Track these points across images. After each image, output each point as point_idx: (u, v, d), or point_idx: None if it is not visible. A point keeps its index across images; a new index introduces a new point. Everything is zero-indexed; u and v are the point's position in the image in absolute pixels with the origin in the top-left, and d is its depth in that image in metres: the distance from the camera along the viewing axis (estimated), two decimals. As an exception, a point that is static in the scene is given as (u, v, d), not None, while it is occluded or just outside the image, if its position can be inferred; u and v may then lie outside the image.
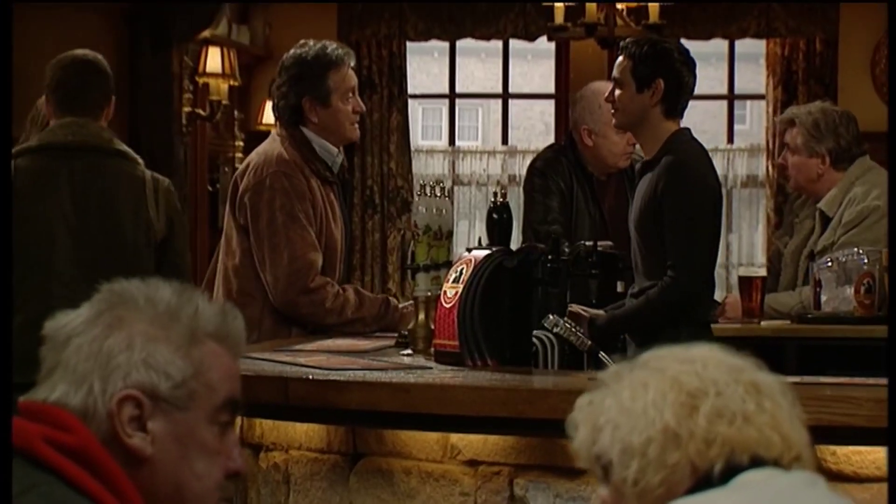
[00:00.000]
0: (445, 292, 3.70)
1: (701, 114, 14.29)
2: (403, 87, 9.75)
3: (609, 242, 4.63)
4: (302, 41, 4.69)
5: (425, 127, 23.15)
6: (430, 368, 3.61)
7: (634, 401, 1.81)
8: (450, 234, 4.07)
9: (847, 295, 5.13)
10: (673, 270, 4.17)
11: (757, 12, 9.33)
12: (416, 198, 4.36)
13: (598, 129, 5.28)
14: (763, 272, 5.54)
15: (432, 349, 3.80)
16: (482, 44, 10.19)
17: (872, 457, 3.12)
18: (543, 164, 5.42)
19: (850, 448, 3.12)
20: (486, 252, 3.70)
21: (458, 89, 10.74)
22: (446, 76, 10.50)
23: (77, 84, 4.64)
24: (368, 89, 9.63)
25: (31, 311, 3.93)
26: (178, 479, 1.89)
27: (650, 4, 8.25)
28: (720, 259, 5.78)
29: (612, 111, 4.42)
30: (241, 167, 4.67)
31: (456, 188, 10.05)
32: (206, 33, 8.80)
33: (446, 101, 10.86)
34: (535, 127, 21.37)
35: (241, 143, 9.23)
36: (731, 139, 10.06)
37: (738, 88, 10.49)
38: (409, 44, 9.76)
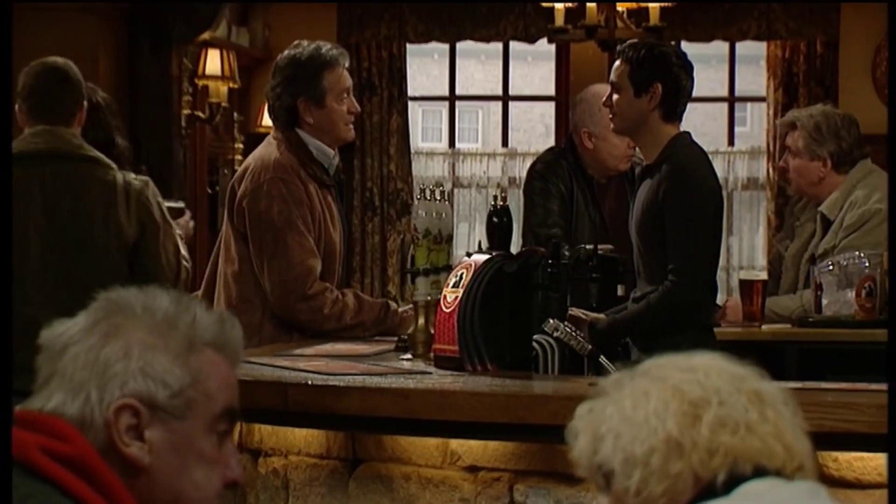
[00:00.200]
0: (445, 297, 3.69)
1: (701, 116, 14.28)
2: (403, 89, 9.74)
3: (609, 246, 4.61)
4: (296, 42, 4.69)
5: (425, 129, 23.17)
6: (430, 373, 3.60)
7: (636, 410, 1.79)
8: (449, 237, 4.06)
9: (848, 298, 5.12)
10: (674, 274, 4.16)
11: (757, 14, 9.32)
12: (415, 201, 4.35)
13: (599, 132, 5.27)
14: (764, 276, 5.53)
15: (432, 354, 3.79)
16: (482, 46, 10.19)
17: (874, 463, 3.10)
18: (543, 167, 5.40)
19: (852, 454, 3.11)
20: (486, 256, 3.69)
21: (458, 91, 10.73)
22: (446, 78, 10.50)
23: (48, 92, 4.70)
24: (368, 91, 9.62)
25: None
26: (176, 489, 1.88)
27: (650, 6, 8.24)
28: (720, 262, 5.76)
29: (611, 116, 4.40)
30: (238, 173, 4.66)
31: (456, 190, 10.04)
32: (205, 35, 8.79)
33: (446, 103, 10.85)
34: (536, 129, 21.37)
35: (241, 146, 9.22)
36: (731, 141, 10.05)
37: (739, 91, 10.48)
38: (409, 46, 9.75)
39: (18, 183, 4.57)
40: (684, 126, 4.38)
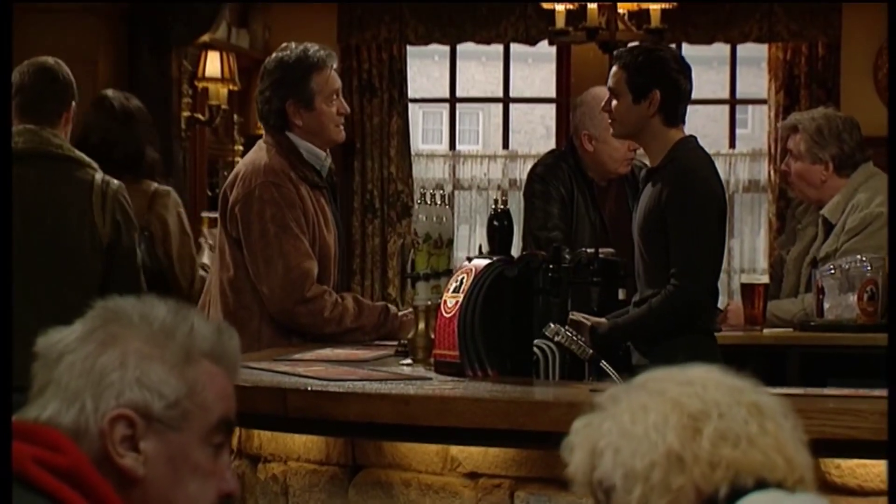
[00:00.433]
0: (446, 302, 3.67)
1: (702, 118, 14.27)
2: (404, 91, 9.73)
3: (611, 249, 4.60)
4: (283, 44, 4.68)
5: (426, 131, 23.17)
6: (430, 379, 3.59)
7: (635, 424, 1.77)
8: (450, 242, 4.04)
9: (850, 302, 5.11)
10: (676, 278, 4.14)
11: (759, 16, 9.30)
12: (416, 205, 4.33)
13: (599, 135, 5.26)
14: (765, 279, 5.51)
15: (432, 359, 3.77)
16: (483, 47, 10.17)
17: (877, 470, 3.09)
18: (544, 170, 5.39)
19: (855, 461, 3.10)
20: (487, 261, 3.67)
21: (458, 93, 10.72)
22: (447, 80, 10.49)
23: (35, 91, 4.73)
24: (368, 93, 9.61)
25: None
26: (171, 501, 1.86)
27: (651, 8, 8.23)
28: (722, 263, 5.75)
29: (610, 121, 4.39)
30: (229, 179, 4.64)
31: (456, 192, 10.02)
32: (205, 37, 8.77)
33: (447, 104, 10.84)
34: (536, 131, 21.36)
35: (241, 148, 9.20)
36: (732, 144, 10.03)
37: (740, 93, 10.47)
38: (409, 47, 9.74)
39: None
40: (685, 128, 4.36)
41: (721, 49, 9.87)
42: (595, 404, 1.84)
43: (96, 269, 4.66)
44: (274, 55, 4.65)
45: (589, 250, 4.06)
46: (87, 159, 4.76)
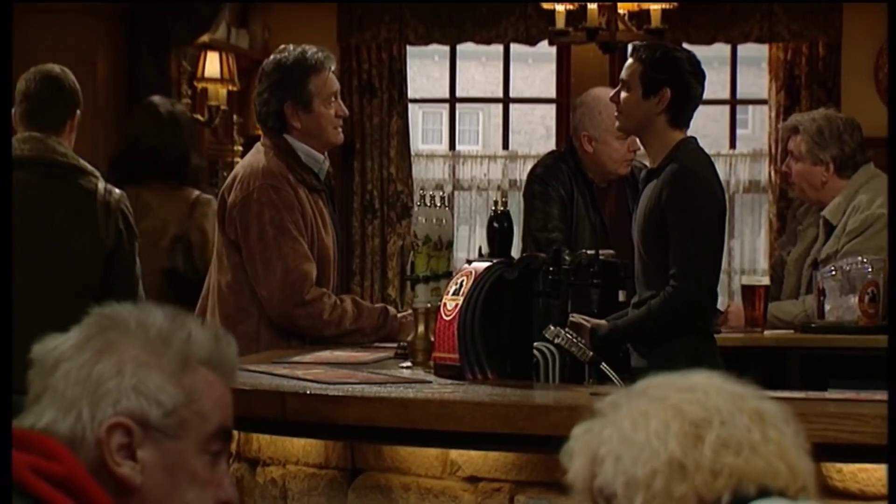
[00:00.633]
0: (445, 305, 3.66)
1: (703, 118, 14.21)
2: (403, 91, 9.71)
3: (611, 251, 4.59)
4: (281, 46, 4.67)
5: (425, 131, 23.16)
6: (430, 382, 3.57)
7: (636, 431, 1.75)
8: (450, 244, 4.03)
9: (851, 304, 5.10)
10: (675, 279, 4.13)
11: (759, 16, 9.28)
12: (415, 207, 4.33)
13: (599, 136, 5.26)
14: (766, 281, 5.50)
15: (432, 362, 3.76)
16: (483, 47, 10.15)
17: (879, 474, 3.08)
18: (543, 171, 5.39)
19: (856, 465, 3.08)
20: (487, 264, 3.66)
21: (458, 93, 10.70)
22: (447, 80, 10.47)
23: (41, 99, 4.77)
24: (368, 93, 9.60)
25: None
26: (168, 510, 1.85)
27: (652, 8, 8.22)
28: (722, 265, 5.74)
29: (616, 113, 4.38)
30: (227, 181, 4.63)
31: (456, 193, 10.01)
32: (204, 37, 8.75)
33: (447, 105, 10.82)
34: (536, 131, 21.35)
35: (240, 148, 9.18)
36: (733, 144, 10.02)
37: (741, 93, 10.44)
38: (409, 47, 9.72)
39: None
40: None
41: (721, 49, 9.85)
42: (595, 410, 1.82)
43: (97, 276, 4.68)
44: (272, 57, 4.65)
45: (589, 252, 4.05)
46: (91, 168, 4.80)
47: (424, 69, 19.44)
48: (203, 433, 1.87)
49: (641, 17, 8.35)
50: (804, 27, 9.25)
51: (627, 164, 5.31)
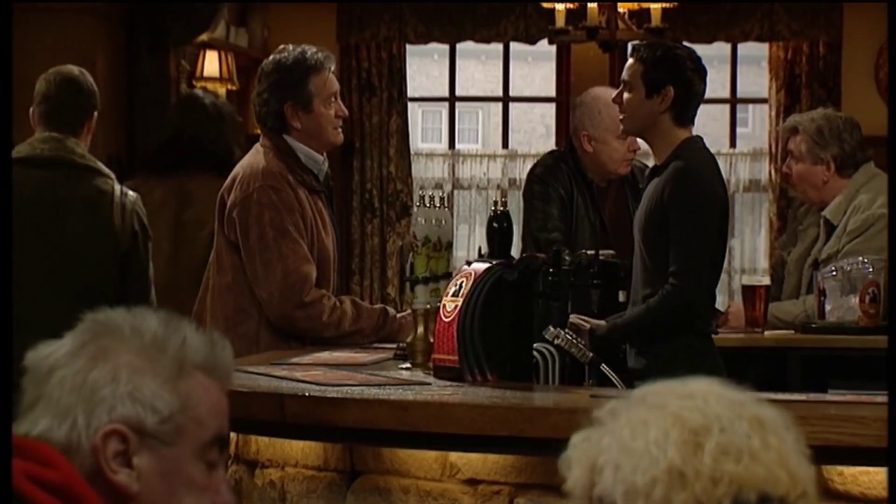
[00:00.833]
0: (445, 306, 3.65)
1: (703, 117, 14.21)
2: (403, 90, 9.70)
3: (611, 251, 4.58)
4: (281, 46, 4.66)
5: (425, 130, 23.15)
6: (429, 384, 3.56)
7: (635, 439, 1.73)
8: (449, 245, 4.02)
9: (852, 304, 5.08)
10: (675, 278, 4.12)
11: (760, 15, 9.27)
12: (415, 208, 4.31)
13: (599, 135, 5.25)
14: (766, 281, 5.48)
15: (431, 363, 3.74)
16: (482, 46, 10.15)
17: (880, 477, 3.07)
18: (543, 171, 5.38)
19: (858, 468, 3.07)
20: (486, 265, 3.64)
21: (458, 92, 10.69)
22: (446, 79, 10.46)
23: (60, 101, 4.85)
24: (368, 92, 9.59)
25: None
26: (166, 517, 1.83)
27: (652, 7, 8.20)
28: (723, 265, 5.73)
29: (620, 116, 4.37)
30: (226, 182, 4.61)
31: (456, 192, 9.99)
32: (203, 36, 8.74)
33: (446, 103, 10.81)
34: (536, 130, 21.35)
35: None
36: (733, 143, 10.01)
37: (741, 92, 10.43)
38: (408, 46, 9.71)
39: (18, 185, 4.63)
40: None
41: (722, 48, 9.84)
42: (594, 419, 1.81)
43: (112, 277, 4.75)
44: (271, 57, 4.63)
45: (589, 252, 4.03)
46: (107, 170, 4.89)
47: (424, 68, 19.43)
48: (199, 439, 1.86)
49: (641, 15, 8.33)
50: (804, 26, 9.24)
51: (627, 163, 5.30)
